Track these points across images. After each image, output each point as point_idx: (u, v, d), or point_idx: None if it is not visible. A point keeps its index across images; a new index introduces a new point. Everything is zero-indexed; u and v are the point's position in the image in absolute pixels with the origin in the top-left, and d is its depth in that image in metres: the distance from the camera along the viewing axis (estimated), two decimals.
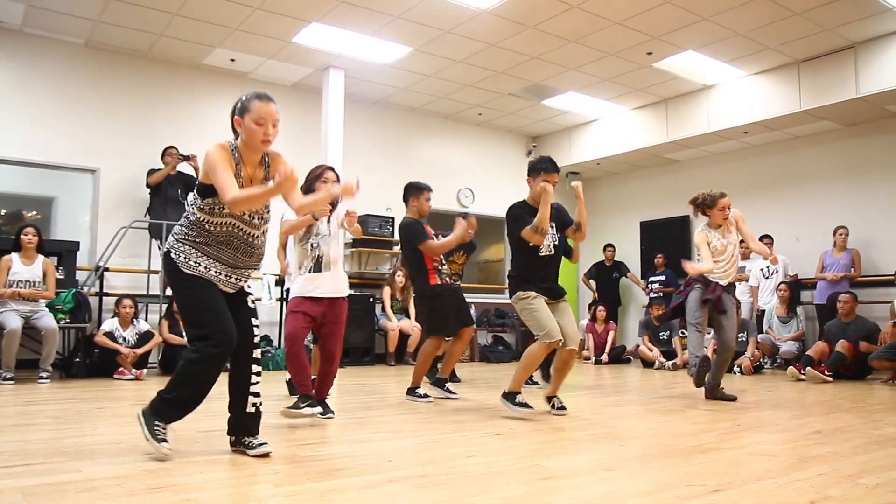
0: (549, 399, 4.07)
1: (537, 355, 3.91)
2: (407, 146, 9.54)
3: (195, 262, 2.64)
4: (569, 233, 4.19)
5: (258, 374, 2.76)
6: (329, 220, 3.84)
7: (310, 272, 3.77)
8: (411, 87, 8.65)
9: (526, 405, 3.92)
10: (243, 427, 2.74)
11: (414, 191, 4.88)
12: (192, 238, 2.67)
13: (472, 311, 9.17)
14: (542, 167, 4.07)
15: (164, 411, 2.63)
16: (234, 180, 2.55)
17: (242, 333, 2.71)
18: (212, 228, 2.64)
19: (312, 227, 3.82)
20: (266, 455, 2.66)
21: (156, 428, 2.60)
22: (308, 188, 3.78)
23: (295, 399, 3.74)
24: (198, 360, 2.59)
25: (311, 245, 3.81)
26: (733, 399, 4.81)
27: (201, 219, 2.65)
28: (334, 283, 3.80)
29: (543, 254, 4.06)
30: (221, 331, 2.59)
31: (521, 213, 4.07)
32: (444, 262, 4.88)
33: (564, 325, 3.96)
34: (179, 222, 2.75)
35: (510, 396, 3.95)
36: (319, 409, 3.63)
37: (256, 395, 2.74)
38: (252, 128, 2.60)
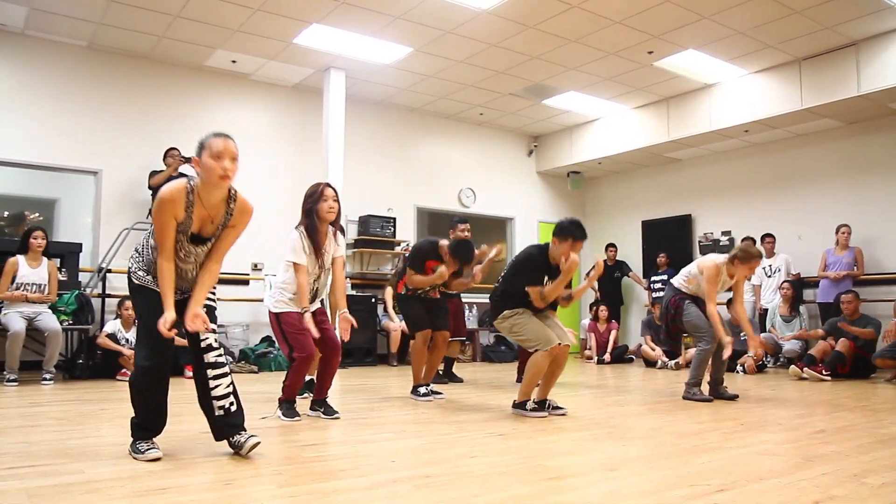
0: (543, 403, 4.03)
1: (541, 365, 3.89)
2: (408, 146, 9.54)
3: (143, 275, 2.74)
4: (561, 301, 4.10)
5: (217, 377, 2.73)
6: (328, 253, 3.83)
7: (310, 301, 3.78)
8: (412, 88, 8.66)
9: (538, 409, 3.94)
10: (219, 430, 2.74)
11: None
12: (143, 260, 2.76)
13: (474, 311, 9.35)
14: (572, 234, 3.91)
15: (137, 433, 2.70)
16: (171, 244, 2.61)
17: (191, 340, 2.73)
18: (155, 258, 2.71)
19: (321, 259, 3.78)
20: (257, 445, 2.68)
21: (137, 446, 2.66)
22: (308, 209, 3.74)
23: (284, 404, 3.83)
24: (135, 376, 2.70)
25: (313, 279, 3.78)
26: (735, 398, 4.81)
27: (152, 254, 2.71)
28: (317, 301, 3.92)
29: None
30: (151, 344, 2.64)
31: (538, 265, 3.97)
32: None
33: (556, 330, 3.98)
34: (141, 240, 2.82)
35: (521, 406, 3.98)
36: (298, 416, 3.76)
37: (221, 397, 2.72)
38: (209, 163, 2.56)
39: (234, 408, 2.75)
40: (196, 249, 2.71)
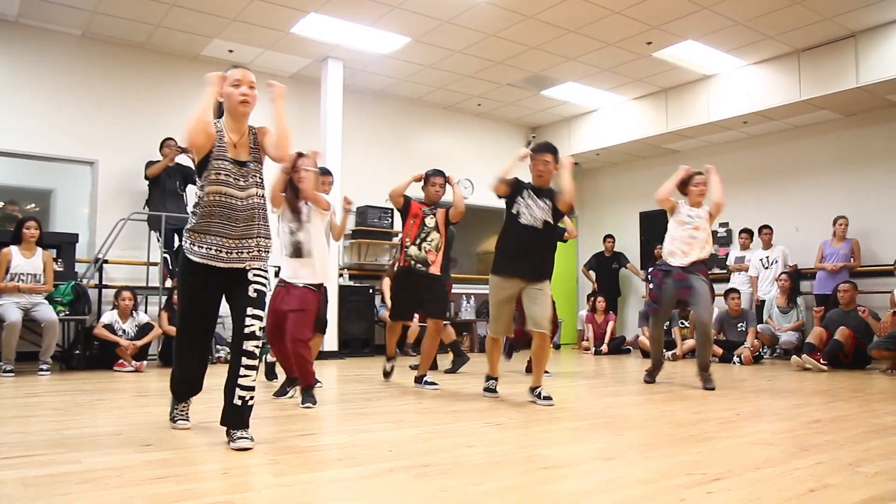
0: (533, 390, 4.07)
1: (487, 348, 4.36)
2: (406, 137, 9.51)
3: (197, 245, 2.77)
4: (558, 203, 4.22)
5: (248, 367, 2.71)
6: (307, 206, 3.97)
7: (291, 257, 3.93)
8: (410, 78, 8.62)
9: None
10: (225, 417, 2.73)
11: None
12: (192, 221, 2.82)
13: (472, 301, 9.35)
14: (533, 149, 4.34)
15: (173, 395, 3.08)
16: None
17: (235, 325, 2.74)
18: (205, 201, 2.76)
19: (287, 212, 3.91)
20: (243, 450, 2.61)
21: (174, 412, 3.08)
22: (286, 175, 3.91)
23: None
24: (174, 347, 3.01)
25: (291, 229, 3.92)
26: (712, 389, 4.82)
27: (199, 196, 2.79)
28: (311, 271, 3.94)
29: (524, 222, 4.08)
30: (187, 323, 2.89)
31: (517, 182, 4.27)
32: (418, 238, 4.87)
33: (530, 310, 4.00)
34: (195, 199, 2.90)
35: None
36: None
37: (246, 388, 2.71)
38: (229, 90, 2.85)
39: (251, 402, 2.73)
40: (240, 171, 2.80)
